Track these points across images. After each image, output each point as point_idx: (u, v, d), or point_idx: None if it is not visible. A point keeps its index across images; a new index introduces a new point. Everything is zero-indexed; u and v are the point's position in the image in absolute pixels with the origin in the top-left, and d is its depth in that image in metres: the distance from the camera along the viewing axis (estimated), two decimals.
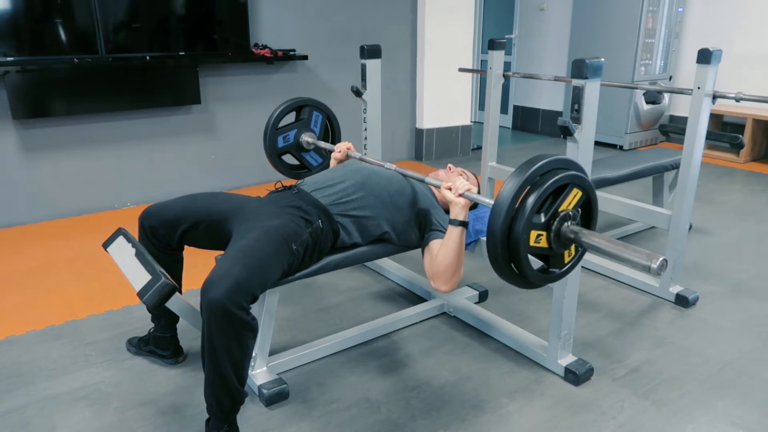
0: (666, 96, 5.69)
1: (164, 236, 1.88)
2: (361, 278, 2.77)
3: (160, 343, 2.06)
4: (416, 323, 2.36)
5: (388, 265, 2.78)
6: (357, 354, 2.15)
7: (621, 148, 5.60)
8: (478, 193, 2.26)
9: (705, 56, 2.26)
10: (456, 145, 5.27)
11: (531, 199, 1.42)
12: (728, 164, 5.05)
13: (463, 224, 1.73)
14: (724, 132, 5.29)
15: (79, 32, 3.45)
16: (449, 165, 2.19)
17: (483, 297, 2.55)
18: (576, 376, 1.96)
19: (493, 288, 2.62)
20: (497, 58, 3.13)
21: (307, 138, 2.50)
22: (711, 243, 3.24)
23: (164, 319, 2.02)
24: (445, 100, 5.10)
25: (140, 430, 1.75)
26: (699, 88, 2.30)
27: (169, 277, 1.59)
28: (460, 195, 1.73)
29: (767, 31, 5.10)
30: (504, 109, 6.74)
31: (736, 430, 1.76)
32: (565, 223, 1.48)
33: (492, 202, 1.49)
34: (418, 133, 5.14)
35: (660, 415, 1.83)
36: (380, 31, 4.67)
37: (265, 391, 1.85)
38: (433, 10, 4.80)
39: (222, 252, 1.73)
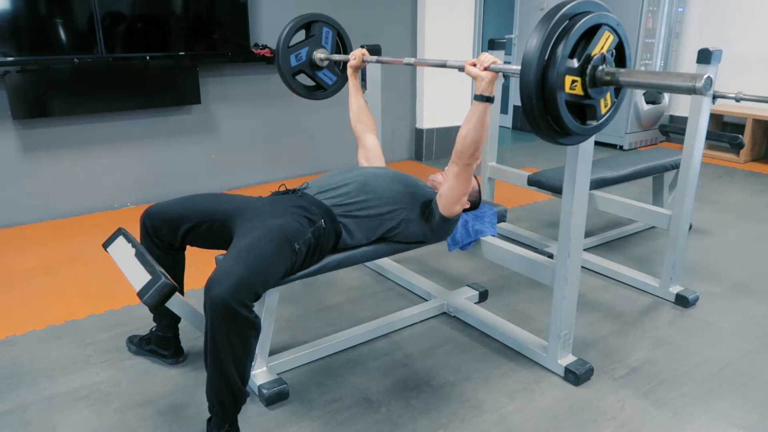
0: (666, 96, 5.69)
1: (166, 236, 1.88)
2: (361, 278, 2.77)
3: (161, 342, 2.06)
4: (416, 323, 2.36)
5: (388, 265, 2.78)
6: (357, 354, 2.15)
7: (621, 148, 5.60)
8: (479, 192, 2.27)
9: (705, 56, 2.26)
10: None
11: (563, 43, 1.35)
12: (728, 164, 5.05)
13: (489, 100, 1.69)
14: (724, 132, 5.29)
15: (79, 32, 3.45)
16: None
17: (483, 297, 2.55)
18: (576, 376, 1.96)
19: (493, 288, 2.62)
20: (497, 58, 3.12)
21: (319, 54, 2.47)
22: (711, 243, 3.24)
23: (166, 319, 2.02)
24: (445, 100, 5.10)
25: (140, 430, 1.75)
26: None
27: (169, 277, 1.59)
28: (486, 69, 1.69)
29: (767, 31, 5.10)
30: (504, 109, 6.74)
31: (736, 430, 1.76)
32: (600, 66, 1.41)
33: (518, 68, 1.42)
34: (418, 133, 5.14)
35: (660, 415, 1.83)
36: (380, 31, 4.67)
37: (265, 391, 1.85)
38: (433, 10, 4.80)
39: (224, 252, 1.73)
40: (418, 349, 2.19)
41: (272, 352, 2.02)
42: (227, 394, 1.57)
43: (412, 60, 1.93)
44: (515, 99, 6.79)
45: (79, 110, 3.53)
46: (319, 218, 1.80)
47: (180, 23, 3.84)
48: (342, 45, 2.58)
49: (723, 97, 2.33)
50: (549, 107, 1.40)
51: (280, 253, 1.65)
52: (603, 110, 1.52)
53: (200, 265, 2.22)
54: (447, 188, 1.87)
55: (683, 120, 4.24)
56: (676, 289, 2.55)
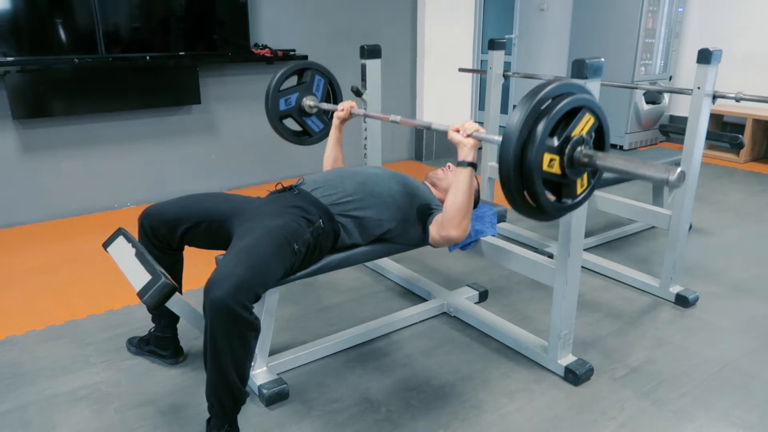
0: (666, 96, 5.69)
1: (165, 236, 1.88)
2: (361, 278, 2.77)
3: (160, 343, 2.06)
4: (416, 323, 2.36)
5: (388, 265, 2.78)
6: (357, 354, 2.15)
7: (621, 148, 5.59)
8: (478, 189, 2.27)
9: (705, 56, 2.26)
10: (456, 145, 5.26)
11: (544, 121, 1.37)
12: (728, 164, 5.05)
13: (472, 165, 1.71)
14: (724, 132, 5.29)
15: (79, 32, 3.45)
16: (448, 164, 2.19)
17: (483, 297, 2.55)
18: (576, 376, 1.96)
19: (493, 288, 2.62)
20: (497, 58, 3.13)
21: (309, 101, 2.48)
22: (711, 243, 3.24)
23: (165, 319, 2.02)
24: (445, 100, 5.10)
25: (140, 430, 1.75)
26: (699, 88, 2.30)
27: (169, 277, 1.59)
28: (468, 135, 1.71)
29: (767, 31, 5.10)
30: (504, 110, 6.72)
31: (736, 430, 1.76)
32: (579, 147, 1.43)
33: (500, 138, 1.44)
34: (418, 133, 5.13)
35: (660, 415, 1.83)
36: (380, 31, 4.67)
37: (265, 391, 1.85)
38: (433, 10, 4.80)
39: (222, 252, 1.73)
40: (418, 349, 2.19)
41: (272, 352, 2.02)
42: (227, 394, 1.57)
43: (398, 118, 1.96)
44: (515, 99, 6.79)
45: (79, 110, 3.53)
46: (318, 218, 1.80)
47: (180, 23, 3.84)
48: (332, 94, 2.59)
49: (723, 97, 2.33)
50: (526, 182, 1.42)
51: (280, 253, 1.65)
52: (579, 190, 1.53)
53: (200, 264, 2.22)
54: (432, 234, 1.87)
55: (683, 120, 4.24)
56: (676, 289, 2.55)
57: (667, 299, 2.56)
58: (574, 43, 5.85)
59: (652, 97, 5.58)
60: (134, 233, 1.89)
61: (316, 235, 1.78)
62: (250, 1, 3.94)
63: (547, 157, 1.40)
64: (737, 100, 2.35)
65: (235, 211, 1.84)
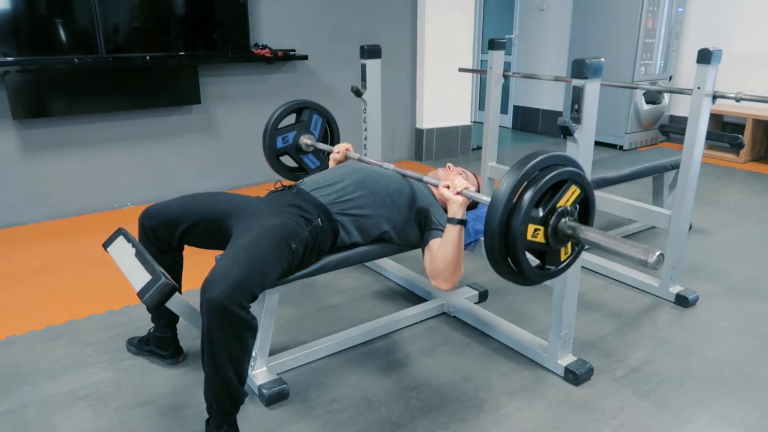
0: (666, 96, 5.69)
1: (164, 236, 1.88)
2: (361, 278, 2.77)
3: (160, 343, 2.06)
4: (416, 323, 2.36)
5: (388, 265, 2.78)
6: (357, 354, 2.15)
7: (621, 148, 5.60)
8: (478, 191, 2.27)
9: (705, 56, 2.26)
10: (456, 145, 5.27)
11: (530, 192, 1.41)
12: (728, 164, 5.05)
13: (462, 222, 1.73)
14: (724, 132, 5.29)
15: (79, 32, 3.45)
16: (448, 164, 2.19)
17: (483, 297, 2.55)
18: (576, 376, 1.96)
19: (493, 288, 2.62)
20: (497, 58, 3.13)
21: (306, 140, 2.50)
22: (711, 243, 3.24)
23: (164, 319, 2.02)
24: (445, 100, 5.10)
25: (140, 430, 1.75)
26: (699, 88, 2.30)
27: (169, 277, 1.59)
28: (458, 193, 1.73)
29: (767, 31, 5.10)
30: (504, 109, 6.74)
31: (736, 430, 1.76)
32: (563, 219, 1.48)
33: (488, 199, 1.48)
34: (418, 133, 5.14)
35: (660, 415, 1.83)
36: (380, 31, 4.67)
37: (265, 391, 1.85)
38: (433, 10, 4.80)
39: (222, 251, 1.73)
40: (418, 349, 2.19)
41: (272, 352, 2.02)
42: (225, 394, 1.57)
43: (392, 165, 1.97)
44: (515, 99, 6.80)
45: (79, 110, 3.53)
46: (316, 217, 1.80)
47: (180, 23, 3.84)
48: (330, 133, 2.60)
49: (723, 97, 2.33)
50: (510, 250, 1.46)
51: (277, 253, 1.65)
52: (563, 257, 1.57)
53: (200, 264, 2.22)
54: (425, 263, 1.86)
55: (683, 120, 4.24)
56: (676, 289, 2.55)
57: (667, 299, 2.56)
58: (574, 43, 5.85)
59: (652, 97, 5.59)
60: (134, 233, 1.89)
61: (314, 234, 1.78)
62: (250, 1, 3.94)
63: (531, 227, 1.44)
64: (737, 100, 2.35)
65: (234, 211, 1.84)
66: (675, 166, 3.09)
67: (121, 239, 1.83)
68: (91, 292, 2.62)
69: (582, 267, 2.52)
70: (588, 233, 1.45)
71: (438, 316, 2.41)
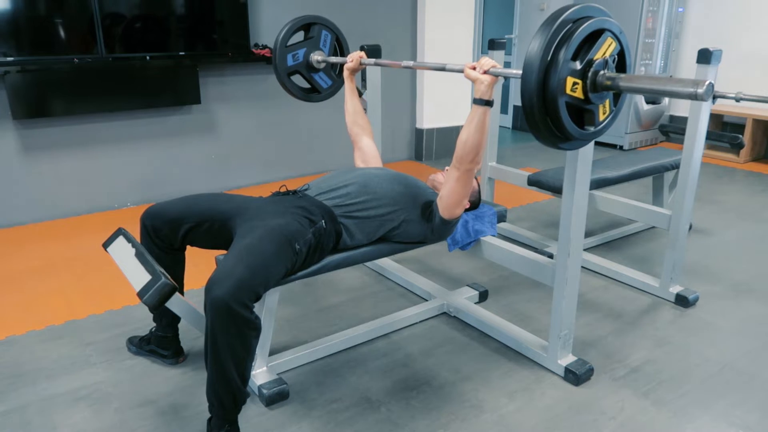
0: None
1: (167, 236, 1.88)
2: (361, 278, 2.77)
3: (161, 342, 2.06)
4: (416, 323, 2.36)
5: (388, 265, 2.78)
6: (357, 354, 2.15)
7: (621, 148, 5.59)
8: (479, 191, 2.27)
9: (705, 56, 2.26)
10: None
11: (566, 46, 1.36)
12: (728, 164, 5.05)
13: (489, 104, 1.70)
14: (724, 132, 5.29)
15: (79, 32, 3.44)
16: (447, 168, 2.19)
17: (483, 297, 2.55)
18: (576, 376, 1.96)
19: (493, 288, 2.62)
20: (497, 58, 3.12)
21: (316, 57, 2.47)
22: (711, 243, 3.24)
23: (166, 319, 2.02)
24: (445, 100, 5.10)
25: (140, 430, 1.75)
26: None
27: (169, 277, 1.59)
28: (485, 72, 1.68)
29: (767, 31, 5.10)
30: (504, 109, 6.74)
31: (736, 430, 1.76)
32: (601, 71, 1.42)
33: (520, 72, 1.43)
34: (418, 133, 5.14)
35: (660, 415, 1.83)
36: (380, 31, 4.67)
37: (265, 391, 1.85)
38: (433, 10, 4.80)
39: (224, 252, 1.73)
40: (418, 349, 2.19)
41: (272, 352, 2.02)
42: (227, 394, 1.57)
43: (410, 63, 1.94)
44: (515, 99, 6.79)
45: (79, 110, 3.53)
46: (320, 219, 1.80)
47: (180, 23, 3.84)
48: (340, 49, 2.58)
49: (723, 97, 2.34)
50: (549, 109, 1.40)
51: (281, 253, 1.65)
52: (601, 117, 1.53)
53: (201, 264, 2.22)
54: (447, 191, 1.87)
55: (683, 120, 4.24)
56: (676, 289, 2.55)
57: (667, 299, 2.56)
58: None
59: (652, 97, 5.59)
60: (134, 233, 1.89)
61: (317, 236, 1.78)
62: (250, 1, 3.94)
63: (569, 80, 1.38)
64: (737, 100, 2.35)
65: (237, 211, 1.84)
66: (675, 166, 3.09)
67: (121, 239, 1.83)
68: (91, 292, 2.62)
69: (582, 267, 2.52)
70: (629, 80, 1.39)
71: (438, 316, 2.41)
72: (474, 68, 1.70)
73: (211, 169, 4.15)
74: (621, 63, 1.51)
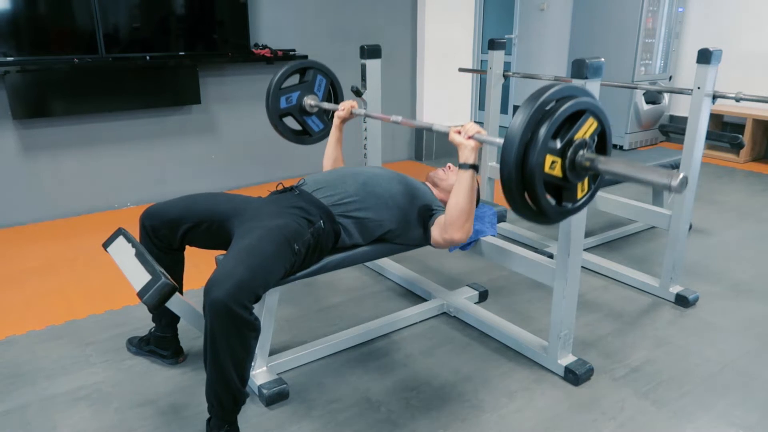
0: (666, 96, 5.69)
1: (166, 236, 1.88)
2: (361, 278, 2.77)
3: (160, 343, 2.06)
4: (416, 323, 2.36)
5: (388, 265, 2.78)
6: (357, 354, 2.15)
7: (621, 148, 5.59)
8: (478, 191, 2.27)
9: (705, 56, 2.26)
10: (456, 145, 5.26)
11: (547, 123, 1.37)
12: (728, 164, 5.05)
13: (474, 167, 1.72)
14: (724, 132, 5.29)
15: (79, 32, 3.44)
16: (448, 164, 2.19)
17: (483, 297, 2.55)
18: (576, 376, 1.96)
19: (493, 288, 2.62)
20: (497, 58, 3.13)
21: (309, 101, 2.48)
22: (711, 243, 3.24)
23: (165, 319, 2.02)
24: (445, 100, 5.10)
25: (140, 430, 1.75)
26: (699, 88, 2.30)
27: (169, 277, 1.59)
28: (470, 137, 1.71)
29: (767, 31, 5.10)
30: (504, 109, 6.73)
31: (736, 430, 1.76)
32: (581, 151, 1.43)
33: (501, 141, 1.44)
34: (418, 133, 5.13)
35: (660, 415, 1.83)
36: (380, 31, 4.67)
37: (265, 391, 1.85)
38: (433, 10, 4.80)
39: (223, 252, 1.73)
40: (418, 349, 2.19)
41: (272, 352, 2.02)
42: (227, 394, 1.57)
43: (399, 118, 1.96)
44: (515, 99, 6.79)
45: (79, 110, 3.53)
46: (318, 219, 1.80)
47: (180, 23, 3.84)
48: (334, 93, 2.59)
49: (723, 97, 2.33)
50: (527, 184, 1.41)
51: (280, 254, 1.65)
52: (580, 194, 1.53)
53: (200, 264, 2.22)
54: (435, 236, 1.88)
55: (683, 120, 4.24)
56: (676, 289, 2.55)
57: (667, 299, 2.56)
58: (574, 43, 5.85)
59: (652, 97, 5.58)
60: (134, 233, 1.89)
61: (316, 236, 1.78)
62: (250, 1, 3.94)
63: (549, 159, 1.39)
64: (737, 100, 2.35)
65: (236, 211, 1.84)
66: (675, 166, 3.09)
67: (121, 239, 1.83)
68: (91, 292, 2.62)
69: (582, 267, 2.52)
70: (607, 163, 1.40)
71: (438, 316, 2.41)
72: (459, 132, 1.73)
73: (211, 169, 4.15)
74: (602, 143, 1.52)
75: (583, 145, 1.43)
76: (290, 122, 2.54)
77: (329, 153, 2.35)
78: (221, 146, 4.16)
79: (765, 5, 5.09)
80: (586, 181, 1.51)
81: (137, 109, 3.75)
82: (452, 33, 4.96)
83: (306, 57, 4.16)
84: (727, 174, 4.74)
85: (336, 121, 2.32)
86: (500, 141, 1.48)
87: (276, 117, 2.46)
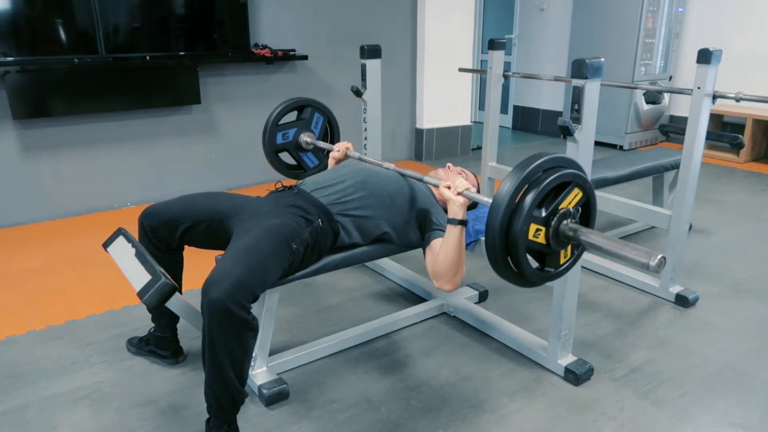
0: (666, 96, 5.69)
1: (164, 236, 1.88)
2: (361, 278, 2.77)
3: (160, 343, 2.06)
4: (416, 323, 2.36)
5: (388, 265, 2.78)
6: (357, 354, 2.15)
7: (621, 148, 5.60)
8: (478, 191, 2.27)
9: (705, 56, 2.26)
10: (456, 145, 5.27)
11: (533, 193, 1.41)
12: (728, 164, 5.05)
13: (462, 223, 1.73)
14: (724, 132, 5.29)
15: (79, 32, 3.45)
16: (448, 164, 2.19)
17: (483, 297, 2.55)
18: (576, 376, 1.96)
19: (493, 288, 2.62)
20: (497, 58, 3.13)
21: (306, 138, 2.50)
22: (711, 243, 3.24)
23: (164, 319, 2.02)
24: (445, 100, 5.10)
25: (140, 430, 1.75)
26: (699, 88, 2.30)
27: (168, 277, 1.59)
28: (459, 193, 1.72)
29: (767, 30, 5.10)
30: (504, 109, 6.74)
31: (736, 430, 1.76)
32: (565, 221, 1.48)
33: (491, 200, 1.49)
34: (418, 133, 5.14)
35: (660, 415, 1.83)
36: (380, 31, 4.67)
37: (265, 391, 1.85)
38: (433, 10, 4.80)
39: (222, 252, 1.73)
40: (418, 349, 2.19)
41: (272, 352, 2.02)
42: (225, 395, 1.57)
43: (392, 165, 1.97)
44: (515, 99, 6.80)
45: (79, 110, 3.53)
46: (317, 218, 1.80)
47: (180, 23, 3.84)
48: (330, 131, 2.60)
49: (723, 97, 2.33)
50: (510, 250, 1.46)
51: (278, 253, 1.65)
52: (562, 260, 1.57)
53: (201, 264, 2.22)
54: (430, 274, 1.84)
55: (683, 120, 4.24)
56: (676, 289, 2.55)
57: (667, 299, 2.56)
58: (574, 43, 5.85)
59: (652, 97, 5.58)
60: (134, 233, 1.89)
61: (314, 235, 1.78)
62: (250, 1, 3.94)
63: (533, 227, 1.44)
64: (737, 100, 2.35)
65: (235, 211, 1.84)
66: (675, 166, 3.09)
67: (121, 239, 1.83)
68: (91, 292, 2.62)
69: (582, 267, 2.52)
70: (589, 236, 1.46)
71: (438, 316, 2.41)
72: (449, 187, 1.74)
73: (211, 169, 4.15)
74: (586, 213, 1.57)
75: (567, 215, 1.48)
76: (286, 157, 2.55)
77: None
78: (221, 146, 4.16)
79: (765, 5, 5.09)
80: (569, 248, 1.56)
81: (137, 109, 3.75)
82: (452, 33, 4.96)
83: (306, 57, 4.17)
84: (727, 174, 4.74)
85: (331, 162, 2.32)
86: (488, 200, 1.53)
87: (272, 152, 2.48)
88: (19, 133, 3.43)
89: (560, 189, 1.47)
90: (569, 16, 5.89)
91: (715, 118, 5.34)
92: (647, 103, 5.56)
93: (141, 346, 2.11)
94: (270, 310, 1.88)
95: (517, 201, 1.43)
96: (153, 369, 2.05)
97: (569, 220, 1.48)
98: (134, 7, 3.62)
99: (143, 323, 2.28)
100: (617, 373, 2.04)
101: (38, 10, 3.33)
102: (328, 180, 1.94)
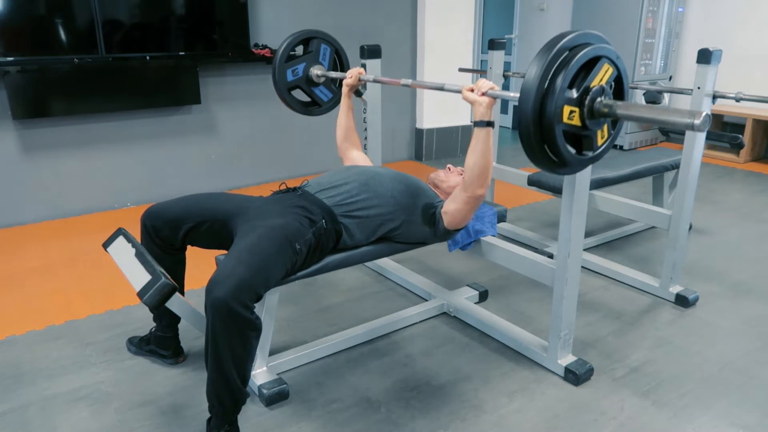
0: (666, 96, 5.69)
1: (167, 236, 1.88)
2: (361, 278, 2.77)
3: (161, 342, 2.06)
4: (416, 323, 2.36)
5: (389, 265, 2.78)
6: (357, 354, 2.15)
7: (621, 148, 5.60)
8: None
9: (705, 56, 2.26)
10: (456, 145, 5.27)
11: (563, 74, 1.36)
12: (728, 164, 5.05)
13: (490, 124, 1.70)
14: (724, 132, 5.29)
15: (79, 32, 3.44)
16: (448, 165, 2.20)
17: (483, 297, 2.55)
18: (576, 376, 1.96)
19: (493, 288, 2.62)
20: (497, 58, 3.13)
21: (316, 71, 2.47)
22: (711, 243, 3.24)
23: (166, 319, 2.02)
24: (445, 100, 5.09)
25: (140, 430, 1.75)
26: (699, 88, 2.30)
27: (169, 277, 1.60)
28: (483, 94, 1.69)
29: (767, 30, 5.10)
30: (504, 109, 6.74)
31: (736, 430, 1.76)
32: (598, 98, 1.42)
33: (517, 94, 1.43)
34: (418, 133, 5.14)
35: (660, 415, 1.83)
36: (380, 31, 4.67)
37: (265, 391, 1.85)
38: (433, 10, 4.80)
39: (224, 252, 1.73)
40: (418, 349, 2.19)
41: (272, 352, 2.02)
42: (227, 394, 1.57)
43: (409, 81, 1.96)
44: (515, 99, 6.78)
45: (79, 110, 3.53)
46: (320, 218, 1.80)
47: (180, 23, 3.84)
48: (340, 62, 2.58)
49: (723, 97, 2.33)
50: (546, 136, 1.40)
51: (281, 253, 1.65)
52: (600, 141, 1.52)
53: (201, 264, 2.22)
54: (453, 209, 1.87)
55: None
56: (676, 289, 2.55)
57: (667, 299, 2.56)
58: None
59: (652, 97, 5.58)
60: (134, 233, 1.89)
61: (317, 235, 1.78)
62: (250, 1, 3.94)
63: (567, 109, 1.38)
64: (737, 100, 2.35)
65: (238, 211, 1.84)
66: (675, 166, 3.09)
67: (121, 239, 1.83)
68: (91, 292, 2.62)
69: (582, 267, 2.52)
70: (626, 108, 1.39)
71: (438, 316, 2.41)
72: (472, 90, 1.70)
73: (211, 169, 4.15)
74: (619, 88, 1.51)
75: (600, 92, 1.42)
76: (299, 95, 2.52)
77: (341, 122, 2.35)
78: (221, 146, 4.16)
79: (765, 5, 5.09)
80: (605, 127, 1.50)
81: (137, 109, 3.75)
82: (452, 33, 4.96)
83: None
84: (727, 174, 4.74)
85: (345, 89, 2.31)
86: (515, 95, 1.46)
87: (284, 91, 2.45)
88: (19, 133, 3.43)
89: (590, 66, 1.41)
90: (569, 16, 5.89)
91: (715, 118, 5.34)
92: (647, 102, 5.55)
93: (141, 345, 2.11)
94: (270, 310, 1.88)
95: (546, 84, 1.37)
96: (153, 369, 2.05)
97: (603, 97, 1.42)
98: (134, 7, 3.62)
99: (143, 323, 2.28)
100: (617, 373, 2.04)
101: (38, 10, 3.33)
102: (332, 181, 1.94)
